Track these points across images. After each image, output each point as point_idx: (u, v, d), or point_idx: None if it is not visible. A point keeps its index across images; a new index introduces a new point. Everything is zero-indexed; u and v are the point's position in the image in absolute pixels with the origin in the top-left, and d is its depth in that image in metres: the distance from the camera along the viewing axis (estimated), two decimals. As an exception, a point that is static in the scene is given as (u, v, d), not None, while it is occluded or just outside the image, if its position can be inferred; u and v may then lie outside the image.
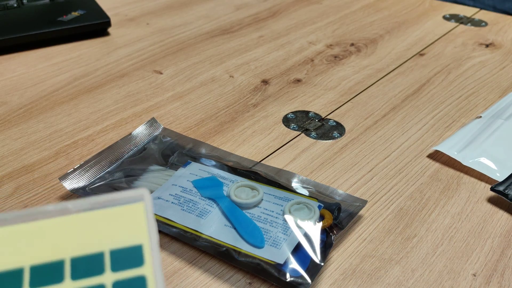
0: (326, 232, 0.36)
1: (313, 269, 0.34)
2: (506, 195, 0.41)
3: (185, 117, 0.53)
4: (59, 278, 0.14)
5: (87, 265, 0.14)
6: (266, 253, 0.35)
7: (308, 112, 0.54)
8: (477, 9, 0.83)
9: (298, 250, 0.35)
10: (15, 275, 0.14)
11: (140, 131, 0.47)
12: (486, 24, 0.77)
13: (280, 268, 0.34)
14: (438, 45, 0.70)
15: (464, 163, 0.45)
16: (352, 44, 0.70)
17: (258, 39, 0.71)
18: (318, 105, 0.55)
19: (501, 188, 0.41)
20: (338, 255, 0.37)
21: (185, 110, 0.54)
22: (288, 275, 0.33)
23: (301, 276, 0.33)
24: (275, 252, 0.35)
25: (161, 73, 0.61)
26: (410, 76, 0.62)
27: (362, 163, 0.46)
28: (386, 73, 0.62)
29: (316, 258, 0.34)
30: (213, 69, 0.63)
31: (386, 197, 0.42)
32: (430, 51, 0.68)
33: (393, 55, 0.67)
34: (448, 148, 0.47)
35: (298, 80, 0.60)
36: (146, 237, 0.15)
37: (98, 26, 0.71)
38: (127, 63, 0.64)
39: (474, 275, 0.36)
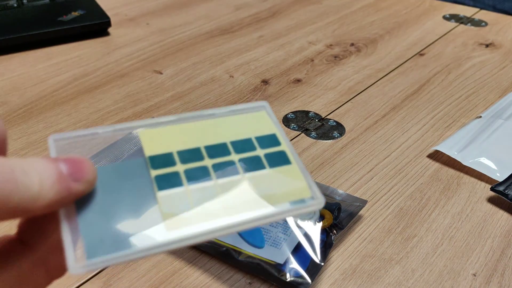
0: (326, 232, 0.36)
1: (313, 269, 0.34)
2: (506, 195, 0.41)
3: (185, 117, 0.53)
4: (228, 153, 0.21)
5: (243, 145, 0.22)
6: (266, 253, 0.35)
7: (308, 112, 0.54)
8: (477, 9, 0.83)
9: (298, 250, 0.35)
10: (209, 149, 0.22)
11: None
12: (486, 24, 0.77)
13: (280, 268, 0.34)
14: (438, 45, 0.70)
15: (464, 163, 0.45)
16: (352, 44, 0.70)
17: (258, 39, 0.71)
18: (318, 105, 0.55)
19: (501, 188, 0.41)
20: (338, 255, 0.37)
21: (185, 110, 0.54)
22: (288, 275, 0.33)
23: (301, 276, 0.33)
24: (275, 252, 0.35)
25: (161, 73, 0.61)
26: (410, 76, 0.62)
27: (362, 163, 0.46)
28: (386, 73, 0.62)
29: (316, 258, 0.34)
30: (213, 69, 0.63)
31: (386, 197, 0.42)
32: (430, 51, 0.68)
33: (393, 55, 0.67)
34: (448, 148, 0.47)
35: (298, 80, 0.60)
36: (276, 129, 0.23)
37: (98, 26, 0.71)
38: (127, 63, 0.64)
39: (474, 275, 0.36)
